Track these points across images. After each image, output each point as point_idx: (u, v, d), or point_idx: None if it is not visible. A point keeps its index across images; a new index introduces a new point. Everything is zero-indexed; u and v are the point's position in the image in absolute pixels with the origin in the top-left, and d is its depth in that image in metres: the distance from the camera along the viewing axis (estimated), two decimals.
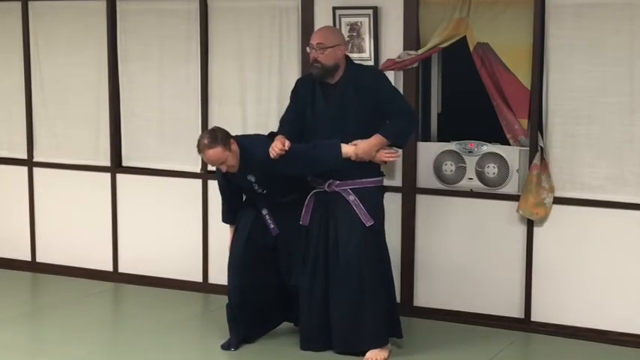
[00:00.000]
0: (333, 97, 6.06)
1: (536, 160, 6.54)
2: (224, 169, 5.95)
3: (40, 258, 8.48)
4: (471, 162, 6.71)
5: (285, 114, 6.36)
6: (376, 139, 5.94)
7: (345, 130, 6.01)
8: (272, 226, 6.25)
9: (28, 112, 8.35)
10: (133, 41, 7.91)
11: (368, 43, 6.90)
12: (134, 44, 7.91)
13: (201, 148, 5.92)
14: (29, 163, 8.42)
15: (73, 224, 8.32)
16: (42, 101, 8.30)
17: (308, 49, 6.09)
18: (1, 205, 8.58)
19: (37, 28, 8.25)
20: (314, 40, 6.03)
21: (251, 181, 6.06)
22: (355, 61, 6.37)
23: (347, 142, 5.96)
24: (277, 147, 5.89)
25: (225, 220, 6.47)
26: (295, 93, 6.29)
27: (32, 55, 8.29)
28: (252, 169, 6.00)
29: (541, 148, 6.53)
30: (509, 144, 6.67)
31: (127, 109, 8.00)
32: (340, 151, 5.89)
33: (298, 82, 6.35)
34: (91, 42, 8.03)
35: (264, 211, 6.25)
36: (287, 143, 5.88)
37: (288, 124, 6.22)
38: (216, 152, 5.87)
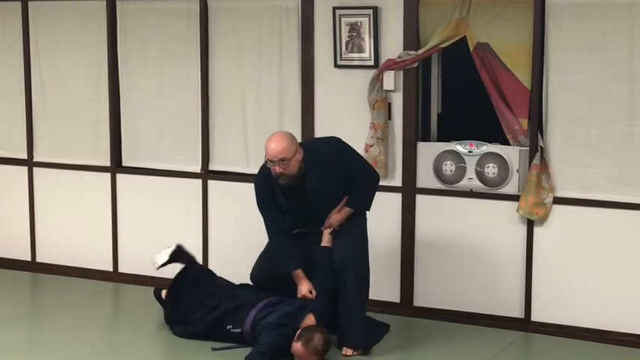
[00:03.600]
0: (299, 192, 6.20)
1: (536, 160, 6.54)
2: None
3: (40, 258, 8.49)
4: (471, 162, 6.68)
5: (269, 219, 6.39)
6: (347, 213, 6.25)
7: (319, 214, 6.29)
8: None
9: (28, 112, 8.36)
10: (133, 41, 7.95)
11: (368, 43, 6.90)
12: (134, 44, 7.95)
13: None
14: (29, 163, 8.42)
15: (73, 224, 8.32)
16: (42, 101, 8.31)
17: (269, 163, 6.06)
18: (1, 205, 8.58)
19: (37, 28, 8.25)
20: (275, 157, 6.01)
21: None
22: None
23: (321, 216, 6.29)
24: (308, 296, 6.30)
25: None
26: (264, 201, 6.34)
27: (32, 54, 8.29)
28: None
29: (541, 148, 6.53)
30: (509, 144, 6.65)
31: (127, 109, 8.00)
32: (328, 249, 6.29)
33: (259, 190, 6.34)
34: (91, 42, 8.03)
35: None
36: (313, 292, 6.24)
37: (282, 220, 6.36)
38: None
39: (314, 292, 6.24)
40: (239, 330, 6.23)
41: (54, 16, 8.18)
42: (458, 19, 6.71)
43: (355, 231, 6.34)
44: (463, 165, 6.71)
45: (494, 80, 6.65)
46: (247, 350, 5.99)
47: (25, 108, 8.39)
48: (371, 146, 6.96)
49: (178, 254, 6.95)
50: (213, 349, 6.26)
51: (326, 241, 6.25)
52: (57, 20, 8.18)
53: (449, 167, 6.76)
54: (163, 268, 6.91)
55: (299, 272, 6.31)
